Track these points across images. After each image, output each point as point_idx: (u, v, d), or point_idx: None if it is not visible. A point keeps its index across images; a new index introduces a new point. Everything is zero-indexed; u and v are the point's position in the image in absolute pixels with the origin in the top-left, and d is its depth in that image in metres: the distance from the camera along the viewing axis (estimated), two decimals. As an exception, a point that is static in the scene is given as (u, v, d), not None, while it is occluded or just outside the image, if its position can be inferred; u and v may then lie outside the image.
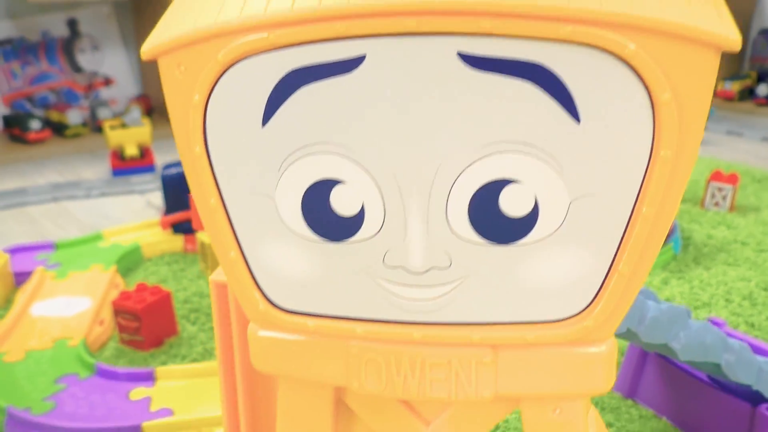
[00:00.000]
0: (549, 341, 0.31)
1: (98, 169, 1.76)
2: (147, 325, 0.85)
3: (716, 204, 1.29)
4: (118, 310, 0.86)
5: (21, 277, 1.04)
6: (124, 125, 1.63)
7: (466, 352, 0.32)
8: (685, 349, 0.57)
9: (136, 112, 1.64)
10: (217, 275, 0.41)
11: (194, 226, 0.82)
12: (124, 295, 0.87)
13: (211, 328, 0.91)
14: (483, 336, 0.31)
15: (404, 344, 0.32)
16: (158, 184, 1.58)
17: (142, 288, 0.88)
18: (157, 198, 1.50)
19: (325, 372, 0.34)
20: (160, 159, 1.70)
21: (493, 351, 0.32)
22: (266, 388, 0.43)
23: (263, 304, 0.33)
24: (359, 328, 0.32)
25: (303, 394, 0.36)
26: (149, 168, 1.66)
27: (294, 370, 0.35)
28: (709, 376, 0.69)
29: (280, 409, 0.37)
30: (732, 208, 1.28)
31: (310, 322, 0.33)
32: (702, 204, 1.30)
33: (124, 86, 2.28)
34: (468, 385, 0.32)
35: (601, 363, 0.32)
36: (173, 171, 1.15)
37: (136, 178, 1.63)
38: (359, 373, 0.33)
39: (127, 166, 1.65)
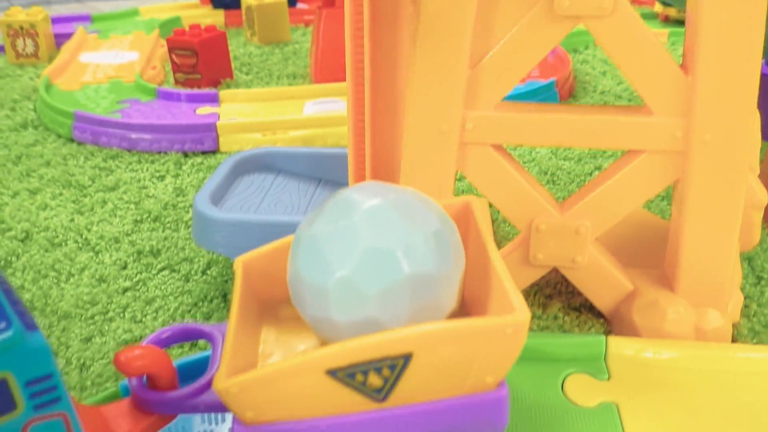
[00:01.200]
0: None
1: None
2: (204, 60, 0.82)
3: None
4: (173, 47, 0.83)
5: (61, 39, 1.01)
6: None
7: None
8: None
9: None
10: None
11: None
12: (179, 32, 0.83)
13: (267, 75, 0.89)
14: None
15: None
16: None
17: (196, 27, 0.84)
18: None
19: None
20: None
21: None
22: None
23: None
24: None
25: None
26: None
27: None
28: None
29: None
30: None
31: None
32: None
33: None
34: None
35: None
36: (212, -62, 1.09)
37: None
38: None
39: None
